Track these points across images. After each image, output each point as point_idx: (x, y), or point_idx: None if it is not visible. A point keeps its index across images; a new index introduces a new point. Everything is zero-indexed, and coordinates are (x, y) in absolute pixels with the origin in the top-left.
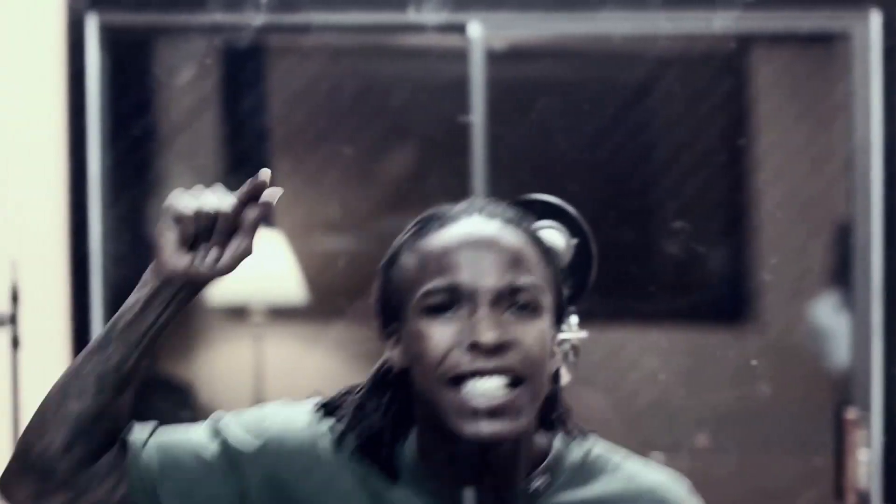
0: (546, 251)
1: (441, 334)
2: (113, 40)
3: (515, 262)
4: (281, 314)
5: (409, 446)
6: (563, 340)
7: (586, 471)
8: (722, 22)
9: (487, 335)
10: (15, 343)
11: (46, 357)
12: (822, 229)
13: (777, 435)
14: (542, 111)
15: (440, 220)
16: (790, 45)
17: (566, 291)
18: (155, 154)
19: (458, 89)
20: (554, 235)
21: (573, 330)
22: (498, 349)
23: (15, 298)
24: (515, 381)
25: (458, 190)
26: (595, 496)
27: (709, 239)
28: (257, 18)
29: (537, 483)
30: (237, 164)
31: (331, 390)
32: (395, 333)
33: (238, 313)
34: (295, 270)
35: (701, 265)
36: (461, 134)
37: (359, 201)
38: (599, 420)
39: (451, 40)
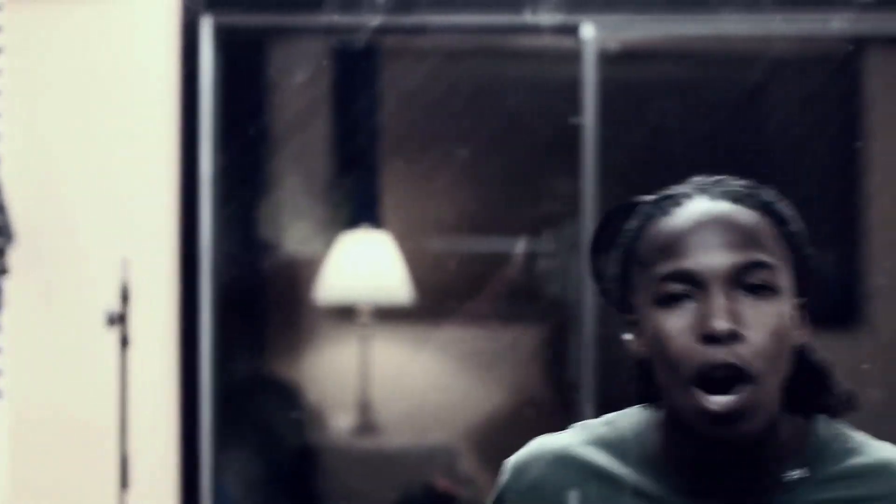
0: (783, 226)
1: (676, 327)
2: (227, 41)
3: (745, 240)
4: (388, 315)
5: (649, 435)
6: None
7: (850, 465)
8: (839, 23)
9: (719, 324)
10: (124, 342)
11: (155, 356)
12: None
13: (888, 440)
14: (654, 113)
15: (666, 205)
16: None
17: (808, 264)
18: (267, 155)
19: (571, 91)
20: None
21: None
22: (730, 337)
23: (125, 298)
24: (748, 378)
25: (569, 191)
26: (861, 495)
27: (821, 242)
28: (372, 20)
29: (795, 474)
30: (348, 166)
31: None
32: (633, 323)
33: (345, 314)
34: (402, 271)
35: (813, 268)
36: (573, 135)
37: (469, 202)
38: None
39: (563, 42)
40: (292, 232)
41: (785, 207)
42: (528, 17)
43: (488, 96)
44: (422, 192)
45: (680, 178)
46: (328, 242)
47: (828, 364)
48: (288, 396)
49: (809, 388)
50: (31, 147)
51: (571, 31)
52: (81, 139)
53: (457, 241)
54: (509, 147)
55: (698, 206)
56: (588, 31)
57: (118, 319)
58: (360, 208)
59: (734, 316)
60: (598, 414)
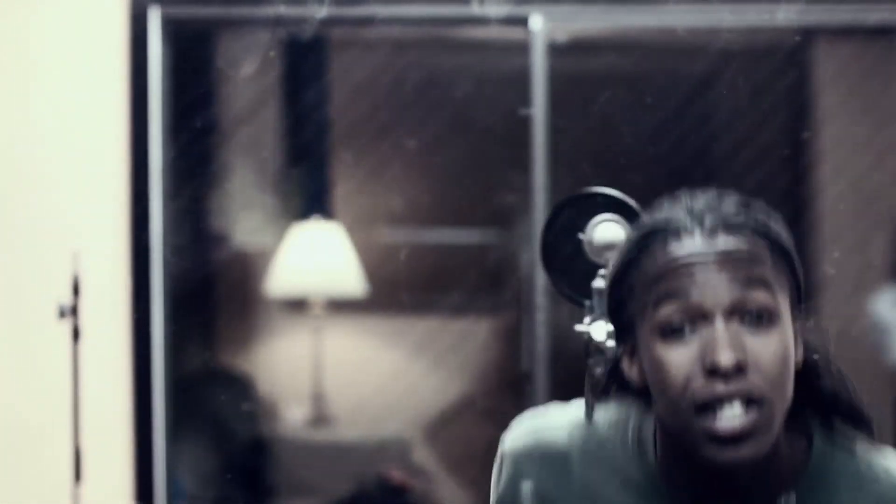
0: (777, 247)
1: (678, 360)
2: (176, 33)
3: (745, 272)
4: (340, 307)
5: (646, 458)
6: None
7: (843, 485)
8: (786, 14)
9: (724, 357)
10: (76, 334)
11: (107, 349)
12: (883, 223)
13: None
14: (603, 104)
15: (663, 235)
16: (854, 38)
17: (800, 279)
18: (216, 146)
19: (520, 82)
20: (614, 229)
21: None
22: (736, 370)
23: (76, 290)
24: (755, 403)
25: (519, 182)
26: None
27: None
28: (320, 11)
29: (785, 500)
30: (298, 157)
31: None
32: (630, 351)
33: (297, 305)
34: (354, 263)
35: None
36: (522, 127)
37: (419, 194)
38: None
39: (512, 33)
40: (243, 223)
41: (778, 226)
42: (477, 9)
43: (438, 87)
44: (372, 184)
45: (630, 169)
46: (279, 234)
47: (839, 379)
48: (241, 389)
49: (813, 407)
50: None
51: (520, 22)
52: (30, 131)
53: (408, 232)
54: (459, 138)
55: (697, 240)
56: (537, 22)
57: (69, 312)
58: (310, 200)
59: (738, 348)
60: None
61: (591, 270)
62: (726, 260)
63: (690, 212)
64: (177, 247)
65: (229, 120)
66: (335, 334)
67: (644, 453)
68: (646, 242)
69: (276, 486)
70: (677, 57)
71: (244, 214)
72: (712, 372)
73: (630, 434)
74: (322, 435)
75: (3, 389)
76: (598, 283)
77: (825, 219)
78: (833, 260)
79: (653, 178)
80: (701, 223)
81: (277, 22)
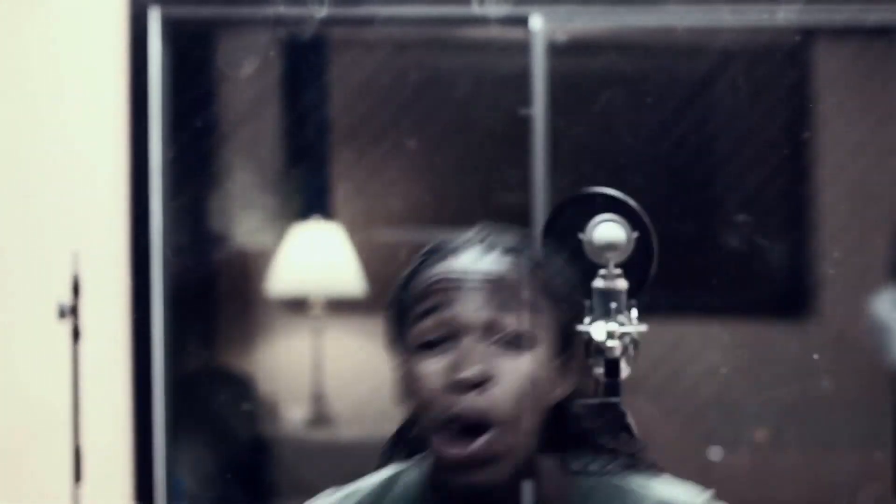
0: (547, 283)
1: (428, 373)
2: (175, 33)
3: (503, 295)
4: (340, 307)
5: (421, 478)
6: (624, 334)
7: None
8: (786, 14)
9: (465, 372)
10: (76, 335)
11: (107, 349)
12: (884, 223)
13: (837, 430)
14: (603, 104)
15: (437, 255)
16: (854, 38)
17: (574, 321)
18: (216, 146)
19: (520, 82)
20: (614, 229)
21: (633, 323)
22: (477, 385)
23: (76, 290)
24: (491, 426)
25: (518, 182)
26: None
27: (771, 232)
28: (320, 11)
29: None
30: (298, 157)
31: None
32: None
33: (297, 305)
34: (354, 263)
35: (763, 259)
36: (522, 126)
37: (419, 194)
38: (649, 428)
39: (512, 33)
40: (243, 223)
41: (553, 266)
42: (477, 9)
43: (438, 87)
44: (372, 184)
45: (630, 169)
46: (279, 234)
47: (589, 421)
48: (241, 388)
49: (570, 443)
50: None
51: (520, 22)
52: (31, 131)
53: (408, 232)
54: (459, 138)
55: (465, 258)
56: (537, 22)
57: (69, 312)
58: (310, 200)
59: (483, 365)
60: None
61: (591, 270)
62: (488, 281)
63: (471, 237)
64: (177, 247)
65: (229, 120)
66: (335, 334)
67: (419, 493)
68: (422, 261)
69: (276, 486)
70: (677, 57)
71: (244, 214)
72: (453, 386)
73: (411, 477)
74: (322, 435)
75: (3, 389)
76: (598, 283)
77: (825, 219)
78: (833, 260)
79: (653, 178)
80: (474, 246)
81: (277, 22)
